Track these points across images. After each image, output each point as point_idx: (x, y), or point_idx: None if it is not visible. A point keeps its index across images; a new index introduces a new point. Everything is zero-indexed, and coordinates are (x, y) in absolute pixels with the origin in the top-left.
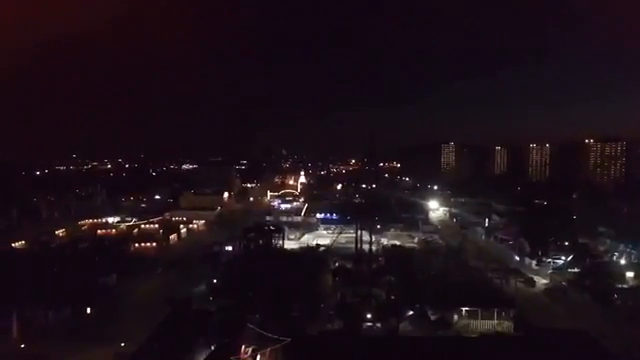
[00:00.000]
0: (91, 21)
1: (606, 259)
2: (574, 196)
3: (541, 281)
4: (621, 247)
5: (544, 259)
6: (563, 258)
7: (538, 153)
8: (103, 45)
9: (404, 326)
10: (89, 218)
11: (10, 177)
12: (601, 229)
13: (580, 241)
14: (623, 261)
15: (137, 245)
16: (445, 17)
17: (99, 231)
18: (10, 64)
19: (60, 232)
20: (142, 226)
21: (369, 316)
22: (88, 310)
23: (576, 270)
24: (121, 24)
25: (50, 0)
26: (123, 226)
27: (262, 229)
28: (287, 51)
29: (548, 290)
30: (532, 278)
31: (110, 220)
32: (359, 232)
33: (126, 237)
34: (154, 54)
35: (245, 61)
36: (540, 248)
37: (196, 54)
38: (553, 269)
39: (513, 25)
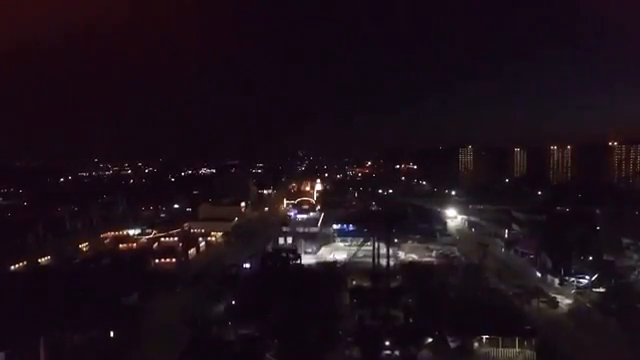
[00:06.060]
0: (111, 23)
1: (632, 277)
2: (597, 211)
3: (564, 301)
4: None
5: (567, 278)
6: (587, 277)
7: (559, 155)
8: (123, 48)
9: (423, 354)
10: (111, 230)
11: (37, 186)
12: (626, 241)
13: (605, 257)
14: None
15: (157, 261)
16: (461, 16)
17: (121, 245)
18: (33, 67)
19: (83, 246)
20: (162, 239)
21: (387, 343)
22: (112, 333)
23: (601, 290)
24: (139, 28)
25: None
26: (144, 239)
27: (279, 255)
28: (305, 54)
29: (572, 312)
30: (555, 298)
31: (131, 232)
32: (376, 245)
33: (146, 252)
34: (174, 57)
35: (262, 62)
36: (563, 265)
37: (215, 57)
38: (577, 289)
39: (534, 24)
